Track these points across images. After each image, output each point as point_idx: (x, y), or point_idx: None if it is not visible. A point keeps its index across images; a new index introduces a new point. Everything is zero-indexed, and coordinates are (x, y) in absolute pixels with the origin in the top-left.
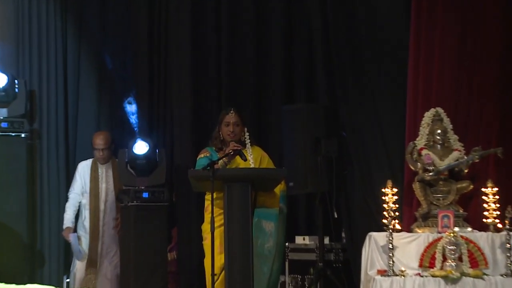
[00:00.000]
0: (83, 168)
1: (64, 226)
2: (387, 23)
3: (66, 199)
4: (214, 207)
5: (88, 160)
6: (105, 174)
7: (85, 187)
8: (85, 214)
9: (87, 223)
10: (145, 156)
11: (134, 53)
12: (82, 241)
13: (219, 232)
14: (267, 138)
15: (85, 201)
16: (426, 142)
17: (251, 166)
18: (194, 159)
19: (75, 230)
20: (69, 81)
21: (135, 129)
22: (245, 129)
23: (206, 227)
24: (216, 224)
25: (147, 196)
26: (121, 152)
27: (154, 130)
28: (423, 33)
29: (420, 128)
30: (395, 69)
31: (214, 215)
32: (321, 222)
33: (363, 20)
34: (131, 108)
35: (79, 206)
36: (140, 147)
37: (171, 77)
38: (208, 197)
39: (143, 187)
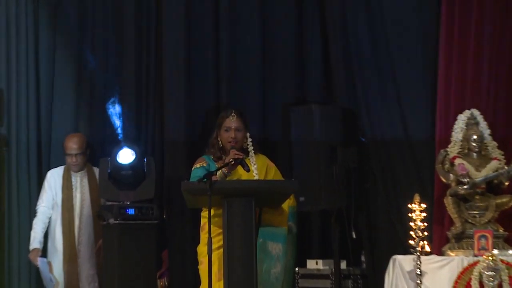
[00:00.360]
0: (53, 177)
1: (31, 247)
2: (415, 16)
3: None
4: (211, 226)
5: (59, 167)
6: (80, 184)
7: (56, 198)
8: (57, 232)
9: (59, 243)
10: (131, 166)
11: (119, 49)
12: (53, 266)
13: (217, 256)
14: (273, 145)
15: (57, 215)
16: (460, 150)
17: (255, 178)
18: (189, 170)
19: (44, 252)
20: (42, 80)
21: (120, 135)
22: (248, 134)
23: (202, 249)
24: (214, 246)
25: (133, 213)
26: (102, 161)
27: (142, 136)
28: (455, 26)
29: (453, 133)
30: (423, 66)
31: (211, 236)
32: (337, 244)
33: (387, 12)
34: (114, 111)
35: (49, 222)
36: (125, 156)
37: (162, 76)
38: (205, 214)
39: (128, 203)
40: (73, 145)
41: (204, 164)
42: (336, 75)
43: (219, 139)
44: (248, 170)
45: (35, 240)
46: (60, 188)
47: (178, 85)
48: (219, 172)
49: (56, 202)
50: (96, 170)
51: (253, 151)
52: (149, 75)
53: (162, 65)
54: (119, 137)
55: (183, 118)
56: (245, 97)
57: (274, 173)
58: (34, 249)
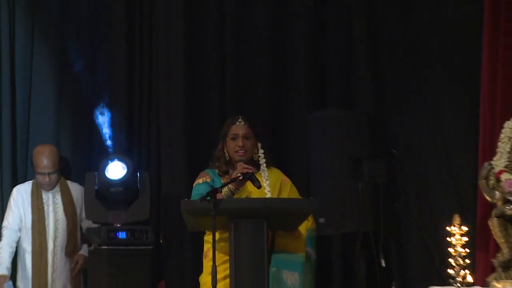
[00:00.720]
0: (21, 195)
1: None
2: (454, 10)
3: None
4: (216, 252)
5: (26, 183)
6: (52, 202)
7: (24, 220)
8: (27, 258)
9: (29, 272)
10: (122, 182)
11: (108, 47)
12: None
13: (223, 287)
14: (288, 156)
15: (26, 239)
16: (507, 163)
17: (267, 196)
18: (189, 187)
19: (14, 281)
20: (18, 85)
21: (109, 146)
22: (259, 144)
23: (205, 279)
24: (219, 276)
25: (124, 237)
26: (88, 176)
27: (135, 148)
28: (502, 23)
29: (499, 143)
30: (464, 69)
31: (216, 264)
32: (363, 274)
33: (422, 8)
34: (103, 118)
35: (16, 247)
36: (115, 170)
37: (158, 80)
38: (208, 238)
39: (118, 225)
40: (46, 162)
41: (208, 180)
42: (361, 77)
43: (225, 150)
44: (259, 187)
45: (2, 266)
46: (29, 207)
47: (177, 90)
48: (225, 189)
49: (24, 224)
50: (71, 184)
51: (265, 165)
52: (143, 78)
53: (158, 66)
54: (108, 149)
55: (183, 127)
56: (254, 103)
57: (289, 190)
58: (1, 276)
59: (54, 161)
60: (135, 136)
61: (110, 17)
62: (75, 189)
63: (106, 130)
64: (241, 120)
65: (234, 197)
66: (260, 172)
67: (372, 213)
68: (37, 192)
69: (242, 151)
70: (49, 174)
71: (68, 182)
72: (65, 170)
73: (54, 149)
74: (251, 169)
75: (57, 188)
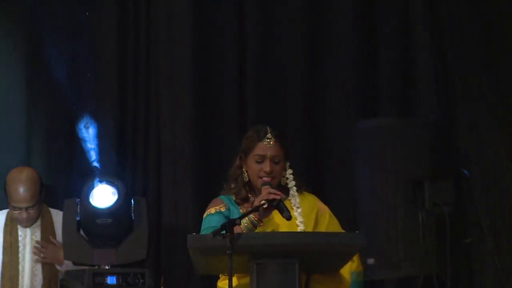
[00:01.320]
0: None
1: None
2: None
3: None
4: None
5: (0, 212)
6: (30, 239)
7: None
8: None
9: None
10: (112, 211)
11: (94, 48)
12: None
13: None
14: (327, 178)
15: None
16: None
17: (299, 229)
18: (199, 218)
19: None
20: None
21: (94, 166)
22: (288, 164)
23: None
24: None
25: (114, 282)
26: (68, 204)
27: (128, 168)
28: None
29: None
30: None
31: None
32: None
33: None
34: (87, 133)
35: None
36: (103, 196)
37: (159, 84)
38: (223, 284)
39: (107, 267)
40: (22, 194)
41: (222, 209)
42: (421, 75)
43: (244, 169)
44: (289, 218)
45: None
46: (0, 246)
47: (183, 96)
48: (244, 221)
49: None
50: (56, 215)
51: (295, 189)
52: (139, 82)
53: (158, 67)
54: (94, 169)
55: (190, 142)
56: (282, 111)
57: (328, 222)
58: None
59: (34, 192)
60: (129, 154)
61: (96, 9)
62: (61, 221)
63: (91, 146)
64: (270, 136)
65: (257, 231)
66: (289, 198)
67: (436, 252)
68: (11, 226)
69: (270, 178)
70: (27, 208)
71: (53, 211)
72: (46, 196)
73: (34, 175)
74: (279, 195)
75: (38, 223)
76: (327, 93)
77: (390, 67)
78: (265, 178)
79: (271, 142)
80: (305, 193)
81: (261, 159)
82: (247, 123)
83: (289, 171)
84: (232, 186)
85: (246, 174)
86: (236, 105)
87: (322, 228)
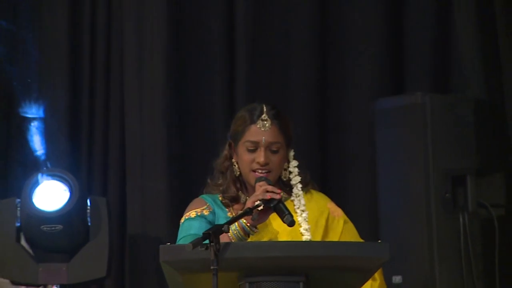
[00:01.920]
0: None
1: None
2: None
3: None
4: None
5: None
6: None
7: None
8: None
9: None
10: (62, 214)
11: (40, 24)
12: None
13: None
14: (340, 174)
15: None
16: None
17: (304, 238)
18: (173, 222)
19: None
20: None
21: (40, 158)
22: (291, 154)
23: None
24: None
25: None
26: (4, 205)
27: (83, 160)
28: None
29: None
30: None
31: None
32: None
33: None
34: (31, 120)
35: None
36: (50, 195)
37: (123, 61)
38: None
39: (56, 287)
40: None
41: (205, 212)
42: (461, 41)
43: (234, 160)
44: (291, 223)
45: None
46: None
47: (152, 72)
48: (233, 227)
49: None
50: None
51: (300, 186)
52: (97, 59)
53: (122, 42)
54: (39, 162)
55: (162, 129)
56: (284, 85)
57: (342, 229)
58: None
59: None
60: (84, 143)
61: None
62: None
63: (35, 136)
64: (266, 117)
65: (250, 240)
66: (292, 198)
67: (483, 266)
68: None
69: (265, 171)
70: None
71: None
72: None
73: None
74: (278, 193)
75: None
76: (340, 67)
77: (419, 31)
78: (259, 172)
79: (267, 124)
80: (312, 191)
81: (254, 146)
82: (236, 105)
83: (293, 163)
84: (218, 182)
85: (236, 166)
86: (223, 83)
87: (334, 237)
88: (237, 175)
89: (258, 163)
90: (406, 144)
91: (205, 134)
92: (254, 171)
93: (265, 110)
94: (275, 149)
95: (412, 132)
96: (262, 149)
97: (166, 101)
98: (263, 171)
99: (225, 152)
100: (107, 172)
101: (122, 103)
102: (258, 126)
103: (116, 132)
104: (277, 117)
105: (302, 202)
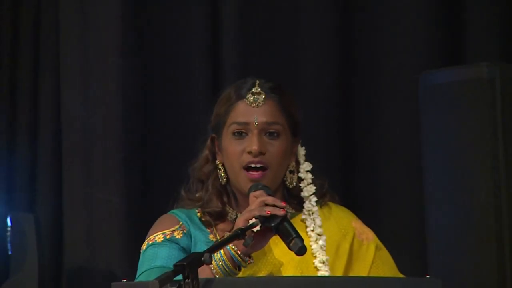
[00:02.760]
0: None
1: None
2: None
3: None
4: None
5: None
6: None
7: None
8: None
9: None
10: None
11: None
12: None
13: None
14: (371, 180)
15: None
16: None
17: (320, 272)
18: (132, 249)
19: None
20: None
21: None
22: (301, 150)
23: None
24: None
25: None
26: None
27: (4, 165)
28: None
29: None
30: None
31: None
32: None
33: None
34: None
35: None
36: None
37: (59, 38)
38: None
39: None
40: None
41: (177, 234)
42: None
43: (219, 164)
44: (301, 251)
45: None
46: None
47: (104, 29)
48: (218, 257)
49: None
50: None
51: (315, 199)
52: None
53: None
54: None
55: (117, 116)
56: (286, 63)
57: (374, 258)
58: None
59: None
60: (3, 140)
61: None
62: None
63: None
64: (259, 90)
65: (241, 274)
66: (304, 217)
67: None
68: None
69: (259, 168)
70: None
71: None
72: None
73: None
74: (282, 208)
75: None
76: (375, 36)
77: None
78: (252, 169)
79: (260, 99)
80: (331, 205)
81: (243, 129)
82: (219, 82)
83: (305, 165)
84: (196, 196)
85: (222, 170)
86: (203, 52)
87: (363, 269)
88: (223, 183)
89: (249, 153)
90: (465, 132)
91: (180, 125)
92: (246, 168)
93: (258, 82)
94: (274, 131)
95: (474, 116)
96: (255, 132)
97: (123, 75)
98: (257, 166)
99: (206, 152)
100: (35, 178)
101: (57, 77)
102: (247, 101)
103: (49, 120)
104: (275, 91)
105: (318, 222)
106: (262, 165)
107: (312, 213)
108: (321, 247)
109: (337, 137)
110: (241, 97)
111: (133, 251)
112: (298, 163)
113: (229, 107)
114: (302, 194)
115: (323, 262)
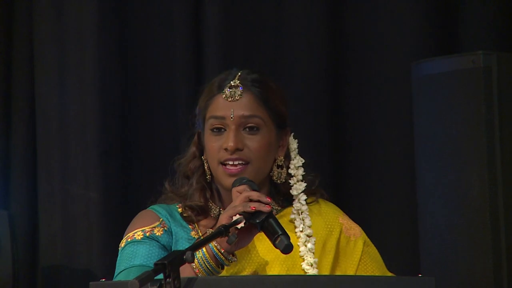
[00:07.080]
0: None
1: None
2: None
3: None
4: None
5: None
6: None
7: None
8: None
9: None
10: None
11: None
12: None
13: None
14: (362, 175)
15: None
16: None
17: (308, 272)
18: (110, 246)
19: None
20: None
21: None
22: (292, 141)
23: None
24: None
25: None
26: None
27: None
28: None
29: None
30: None
31: None
32: None
33: None
34: None
35: None
36: None
37: (36, 29)
38: None
39: None
40: None
41: (157, 231)
42: None
43: (205, 161)
44: (287, 249)
45: None
46: None
47: (81, 15)
48: (200, 254)
49: None
50: None
51: (304, 197)
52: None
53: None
54: None
55: (95, 107)
56: (274, 46)
57: (361, 255)
58: None
59: None
60: None
61: None
62: None
63: None
64: (237, 82)
65: (224, 273)
66: (293, 216)
67: None
68: None
69: (237, 164)
70: None
71: None
72: None
73: None
74: (267, 204)
75: None
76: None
77: None
78: (229, 166)
79: (238, 93)
80: (321, 202)
81: (220, 124)
82: (204, 73)
83: (296, 160)
84: (181, 191)
85: (206, 165)
86: (187, 42)
87: (350, 266)
88: (208, 180)
89: (225, 149)
90: (460, 124)
91: (160, 120)
92: (224, 163)
93: (239, 74)
94: (252, 125)
95: (469, 108)
96: (233, 128)
97: (100, 67)
98: (235, 163)
99: (193, 148)
100: (8, 172)
101: (32, 65)
102: (224, 95)
103: (23, 111)
104: (256, 83)
105: (308, 222)
106: (241, 161)
107: (302, 212)
108: (310, 251)
109: (326, 129)
110: (219, 90)
111: (112, 249)
112: (289, 158)
113: (208, 101)
114: (291, 192)
115: (311, 265)
